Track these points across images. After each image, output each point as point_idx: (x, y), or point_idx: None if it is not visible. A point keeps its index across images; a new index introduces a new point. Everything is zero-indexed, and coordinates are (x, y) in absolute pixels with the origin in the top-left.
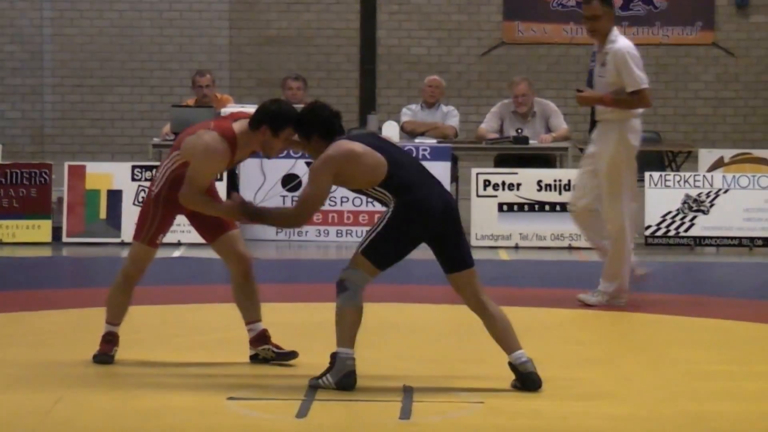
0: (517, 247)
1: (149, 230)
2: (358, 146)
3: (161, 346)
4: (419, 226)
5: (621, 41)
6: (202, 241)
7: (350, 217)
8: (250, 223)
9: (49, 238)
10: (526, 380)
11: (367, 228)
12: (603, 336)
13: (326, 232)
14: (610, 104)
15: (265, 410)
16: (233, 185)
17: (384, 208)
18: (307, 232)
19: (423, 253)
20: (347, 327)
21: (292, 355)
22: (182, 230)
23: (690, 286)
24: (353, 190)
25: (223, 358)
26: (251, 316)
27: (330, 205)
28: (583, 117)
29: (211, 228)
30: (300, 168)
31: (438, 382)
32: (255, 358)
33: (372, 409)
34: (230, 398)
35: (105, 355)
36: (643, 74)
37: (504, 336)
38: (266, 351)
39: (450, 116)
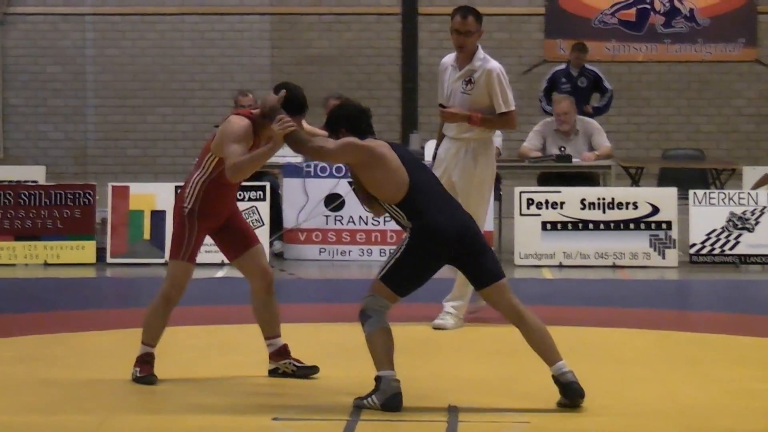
0: (560, 266)
1: (187, 247)
2: (389, 152)
3: (204, 367)
4: (435, 252)
5: (492, 61)
6: None
7: (393, 237)
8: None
9: (93, 259)
10: (568, 390)
11: None
12: (648, 354)
13: (369, 251)
14: (478, 123)
15: (310, 431)
16: (276, 205)
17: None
18: (350, 251)
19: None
20: (381, 350)
21: (314, 369)
22: None
23: (735, 305)
24: (370, 201)
25: (267, 378)
26: (271, 330)
27: (373, 224)
28: (625, 135)
29: (235, 245)
30: (342, 187)
31: (482, 402)
32: (275, 373)
33: (418, 429)
34: (275, 419)
35: (150, 376)
36: (512, 96)
37: (543, 347)
38: (287, 365)
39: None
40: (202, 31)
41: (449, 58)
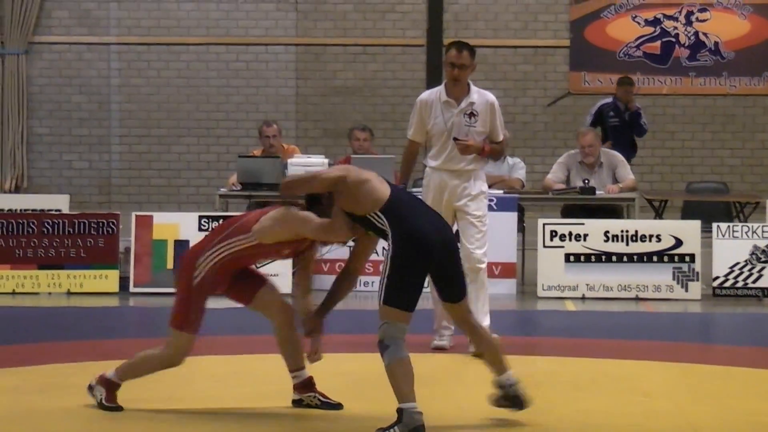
0: (584, 298)
1: (195, 319)
2: (370, 173)
3: (226, 396)
4: (422, 255)
5: (488, 93)
6: None
7: None
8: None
9: (116, 288)
10: (516, 401)
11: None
12: (670, 387)
13: None
14: (487, 153)
15: None
16: None
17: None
18: (373, 282)
19: (490, 303)
20: (402, 381)
21: (338, 406)
22: None
23: (758, 338)
24: (362, 221)
25: (289, 409)
26: (296, 363)
27: None
28: (649, 168)
29: (246, 290)
30: None
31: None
32: (299, 404)
33: None
34: None
35: (118, 407)
36: None
37: (495, 357)
38: (312, 398)
39: (516, 168)
40: (227, 62)
41: (432, 95)
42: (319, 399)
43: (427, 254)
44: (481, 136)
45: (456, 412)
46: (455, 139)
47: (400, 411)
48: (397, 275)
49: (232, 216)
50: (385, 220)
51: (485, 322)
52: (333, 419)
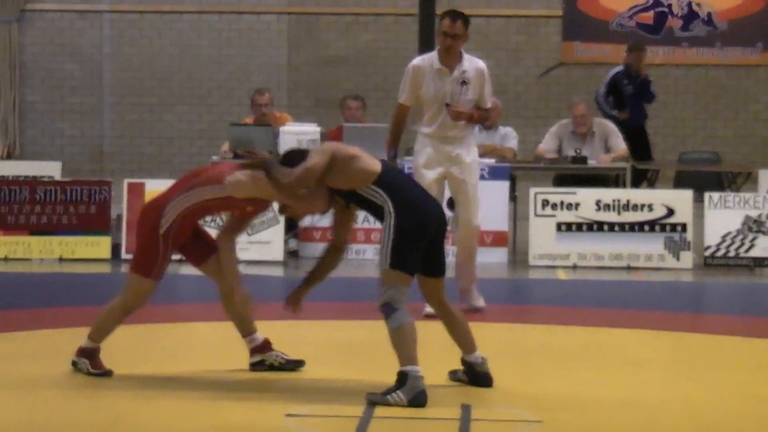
0: (575, 267)
1: (160, 266)
2: (356, 148)
3: (217, 363)
4: (422, 221)
5: (478, 60)
6: (260, 258)
7: None
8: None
9: (108, 255)
10: (482, 379)
11: None
12: (662, 357)
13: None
14: (476, 120)
15: (323, 428)
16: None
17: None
18: (365, 250)
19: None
20: (408, 345)
21: (301, 363)
22: (240, 247)
23: (749, 308)
24: (347, 195)
25: (279, 374)
26: (248, 328)
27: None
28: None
29: (200, 251)
30: None
31: (496, 401)
32: (260, 365)
33: (430, 427)
34: (288, 415)
35: (106, 372)
36: None
37: (464, 336)
38: (275, 358)
39: (508, 138)
40: (219, 30)
41: (425, 61)
42: (282, 358)
43: (425, 223)
44: (472, 104)
45: (446, 379)
46: (447, 105)
47: (403, 374)
48: (401, 240)
49: (196, 170)
50: (381, 191)
51: (473, 286)
52: (324, 384)
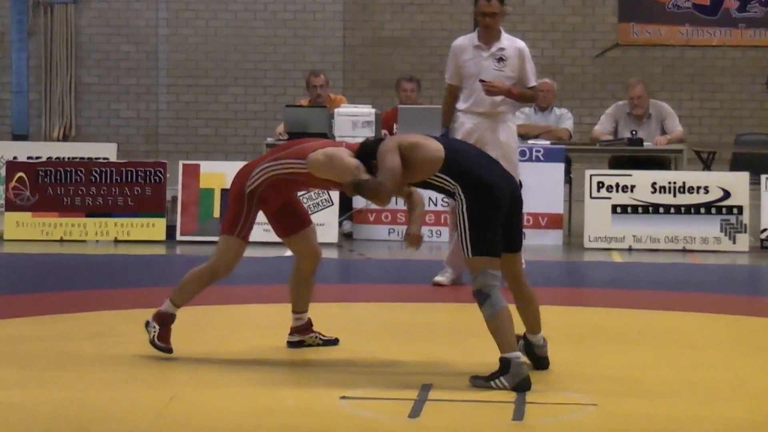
0: (630, 250)
1: (244, 225)
2: (416, 134)
3: (273, 345)
4: (494, 204)
5: (518, 40)
6: None
7: None
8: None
9: (163, 237)
10: (539, 362)
11: None
12: (717, 340)
13: (438, 232)
14: (517, 96)
15: (378, 410)
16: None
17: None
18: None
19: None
20: (506, 331)
21: (335, 341)
22: None
23: None
24: (419, 185)
25: (333, 355)
26: (303, 306)
27: (443, 205)
28: (697, 120)
29: (289, 224)
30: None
31: (551, 384)
32: (298, 345)
33: (485, 410)
34: (343, 397)
35: (168, 348)
36: None
37: (532, 315)
38: (313, 338)
39: (564, 119)
40: (274, 12)
41: (466, 40)
42: (320, 338)
43: (498, 202)
44: (511, 81)
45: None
46: (481, 80)
47: (505, 361)
48: (478, 226)
49: (295, 140)
50: (449, 178)
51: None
52: (379, 366)
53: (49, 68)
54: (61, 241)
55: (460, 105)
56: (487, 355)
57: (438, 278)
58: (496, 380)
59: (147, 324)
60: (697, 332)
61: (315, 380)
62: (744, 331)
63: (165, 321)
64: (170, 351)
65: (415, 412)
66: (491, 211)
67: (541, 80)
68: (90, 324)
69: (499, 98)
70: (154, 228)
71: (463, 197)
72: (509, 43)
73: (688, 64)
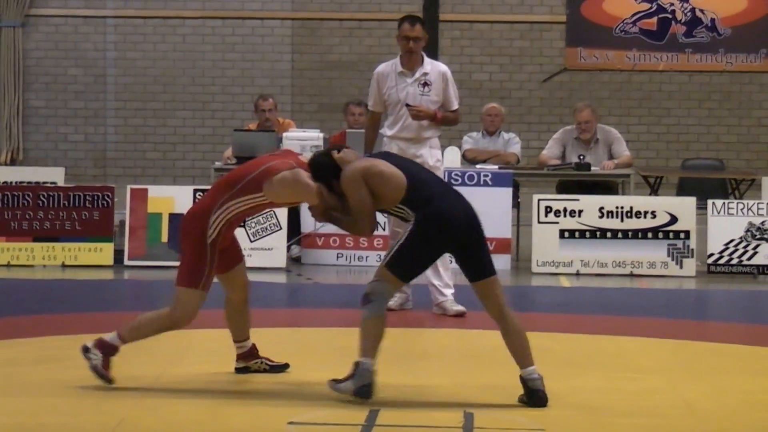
0: (578, 274)
1: (208, 276)
2: (380, 162)
3: (220, 370)
4: (443, 238)
5: (441, 64)
6: (263, 264)
7: None
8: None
9: (111, 261)
10: (534, 396)
11: None
12: (665, 364)
13: None
14: (440, 120)
15: None
16: (294, 210)
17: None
18: (367, 257)
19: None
20: (371, 338)
21: (285, 366)
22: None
23: (752, 315)
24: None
25: (281, 380)
26: (243, 334)
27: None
28: (645, 144)
29: (228, 261)
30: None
31: (499, 409)
32: (245, 371)
33: None
34: (291, 423)
35: (109, 379)
36: None
37: (519, 350)
38: (260, 364)
39: (511, 143)
40: (223, 35)
41: (388, 66)
42: (266, 363)
43: (449, 236)
44: (435, 105)
45: (449, 387)
46: (407, 105)
47: (357, 365)
48: (410, 248)
49: (232, 172)
50: (406, 208)
51: (449, 291)
52: (327, 392)
53: None
54: (8, 265)
55: (386, 131)
56: (433, 378)
57: (390, 302)
58: (343, 384)
59: (86, 349)
60: (644, 356)
61: (263, 405)
62: (691, 356)
63: (108, 351)
64: (112, 382)
65: None
66: (436, 242)
67: (488, 104)
68: (38, 349)
69: (425, 123)
70: (102, 252)
71: (414, 222)
72: (432, 67)
73: (635, 88)
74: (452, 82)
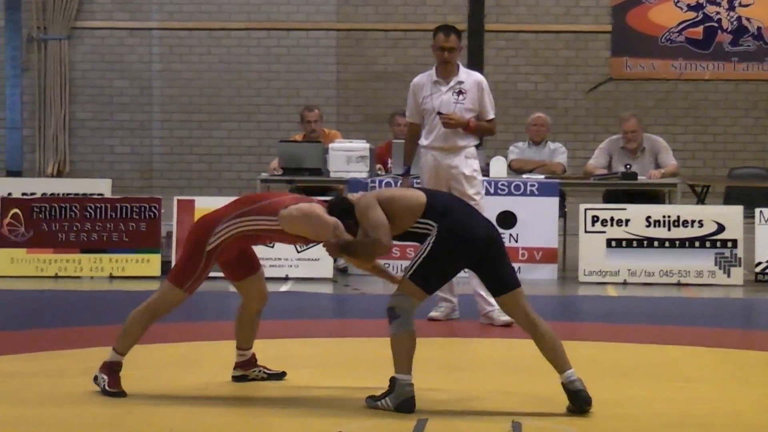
0: (625, 284)
1: (195, 281)
2: (387, 189)
3: (268, 380)
4: (463, 248)
5: (477, 73)
6: (309, 275)
7: None
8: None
9: (158, 272)
10: (576, 397)
11: None
12: (713, 373)
13: None
14: (474, 129)
15: None
16: None
17: None
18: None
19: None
20: (404, 353)
21: (282, 375)
22: (290, 264)
23: None
24: (402, 238)
25: (329, 391)
26: (247, 344)
27: None
28: (691, 153)
29: (241, 269)
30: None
31: (547, 417)
32: (243, 379)
33: None
34: None
35: (121, 393)
36: None
37: (554, 355)
38: (258, 373)
39: (557, 153)
40: (268, 47)
41: (425, 77)
42: (264, 372)
43: (468, 248)
44: (470, 114)
45: (497, 396)
46: (439, 113)
47: (393, 380)
48: (433, 258)
49: (256, 194)
50: (429, 220)
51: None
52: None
53: (43, 104)
54: (56, 277)
55: (422, 141)
56: (480, 388)
57: (433, 313)
58: (382, 400)
59: (95, 378)
60: (692, 366)
61: (311, 414)
62: (739, 365)
63: (113, 369)
64: (124, 395)
65: None
66: (457, 253)
67: (534, 114)
68: (85, 360)
69: (460, 132)
70: (149, 264)
71: (436, 232)
72: (468, 76)
73: (680, 97)
74: (488, 92)
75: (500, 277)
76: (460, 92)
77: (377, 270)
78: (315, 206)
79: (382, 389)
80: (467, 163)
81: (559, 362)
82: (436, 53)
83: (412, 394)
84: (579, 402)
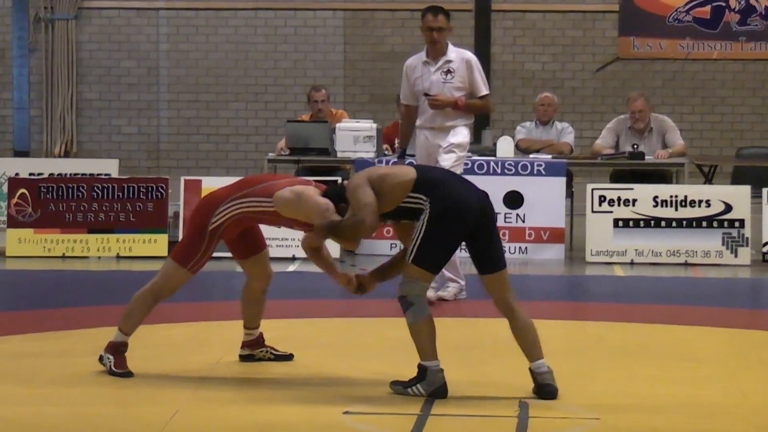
0: (632, 264)
1: (198, 260)
2: (380, 167)
3: (274, 361)
4: (457, 219)
5: (466, 51)
6: None
7: None
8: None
9: (165, 252)
10: (541, 390)
11: None
12: (720, 353)
13: None
14: (462, 107)
15: (381, 425)
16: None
17: None
18: None
19: (538, 268)
20: (426, 339)
21: (290, 357)
22: (297, 245)
23: None
24: (396, 214)
25: (336, 371)
26: (255, 323)
27: None
28: (699, 133)
29: (245, 248)
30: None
31: (553, 400)
32: (250, 359)
33: (488, 424)
34: (346, 413)
35: (127, 373)
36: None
37: (528, 343)
38: (265, 353)
39: (565, 133)
40: (275, 27)
41: (416, 59)
42: (272, 353)
43: (463, 218)
44: (460, 92)
45: (504, 376)
46: (426, 94)
47: (423, 368)
48: (431, 236)
49: (257, 176)
50: (420, 195)
51: (457, 282)
52: (381, 382)
53: (51, 84)
54: (63, 257)
55: (417, 122)
56: (488, 368)
57: (441, 293)
58: (414, 387)
59: (101, 358)
60: (699, 346)
61: (318, 395)
62: (746, 345)
63: (118, 350)
64: (131, 375)
65: (418, 428)
66: (453, 225)
67: (542, 94)
68: (92, 340)
69: (449, 111)
70: (156, 244)
71: (429, 208)
72: (456, 55)
73: (688, 77)
74: (478, 68)
75: (490, 255)
76: (448, 71)
77: (322, 259)
78: (308, 188)
79: (392, 371)
80: (447, 138)
81: (531, 350)
82: (425, 34)
83: (444, 380)
84: (543, 395)
